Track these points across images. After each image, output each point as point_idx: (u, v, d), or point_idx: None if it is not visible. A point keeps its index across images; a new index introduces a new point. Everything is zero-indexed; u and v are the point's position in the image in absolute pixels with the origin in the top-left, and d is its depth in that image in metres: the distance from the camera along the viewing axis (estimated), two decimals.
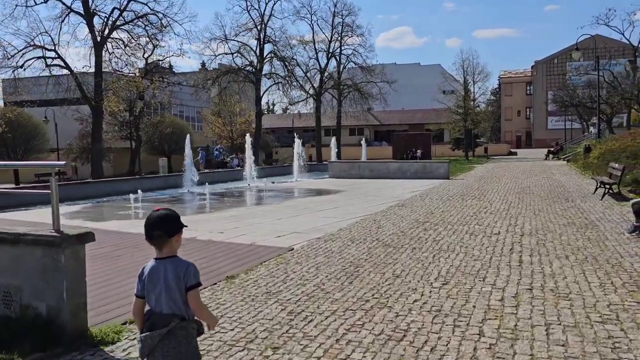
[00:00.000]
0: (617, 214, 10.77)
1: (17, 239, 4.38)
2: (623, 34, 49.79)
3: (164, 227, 2.72)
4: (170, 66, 43.40)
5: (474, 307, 4.85)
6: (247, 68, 44.43)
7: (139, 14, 31.58)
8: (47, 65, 29.71)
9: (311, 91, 49.63)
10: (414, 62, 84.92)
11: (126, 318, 4.76)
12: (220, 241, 8.61)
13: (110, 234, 9.91)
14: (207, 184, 20.30)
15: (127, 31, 31.72)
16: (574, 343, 3.91)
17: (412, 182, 21.05)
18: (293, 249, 8.00)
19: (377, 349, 3.94)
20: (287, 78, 46.02)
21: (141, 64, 34.91)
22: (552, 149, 47.49)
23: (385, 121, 69.81)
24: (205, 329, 2.91)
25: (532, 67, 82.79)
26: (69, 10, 30.08)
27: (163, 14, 31.97)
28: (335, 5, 48.18)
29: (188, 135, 24.27)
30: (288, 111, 69.15)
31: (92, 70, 30.60)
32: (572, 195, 14.55)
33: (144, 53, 34.04)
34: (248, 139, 27.10)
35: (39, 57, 29.58)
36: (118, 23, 31.05)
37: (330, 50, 50.19)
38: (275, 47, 44.98)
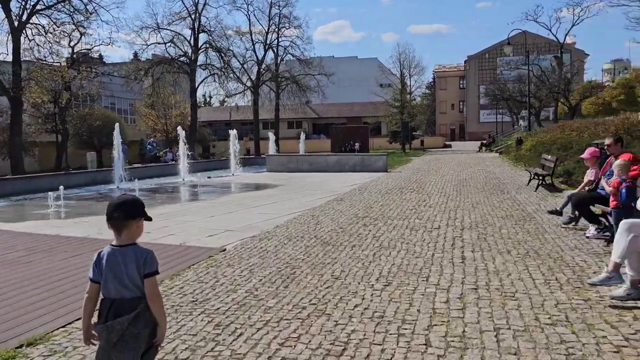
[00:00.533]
0: (552, 205, 10.84)
1: None
2: (550, 30, 52.04)
3: (122, 209, 2.71)
4: (101, 56, 41.23)
5: (418, 311, 4.49)
6: (181, 58, 42.90)
7: None
8: None
9: (248, 83, 48.65)
10: (351, 56, 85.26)
11: (25, 338, 4.08)
12: (145, 242, 7.82)
13: (22, 237, 8.96)
14: (136, 180, 19.18)
15: (48, 16, 29.62)
16: (526, 351, 3.61)
17: (350, 176, 20.82)
18: (225, 249, 7.43)
19: None
20: (223, 69, 44.79)
21: (67, 52, 32.88)
22: (484, 142, 48.95)
23: (323, 114, 69.70)
24: None
25: (465, 61, 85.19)
26: None
27: None
28: None
29: (117, 125, 22.82)
30: (225, 104, 67.77)
31: (10, 58, 28.38)
32: (508, 187, 14.72)
33: (70, 41, 32.02)
34: (181, 131, 25.96)
35: None
36: (38, 7, 28.89)
37: (268, 42, 49.37)
38: (210, 37, 43.66)
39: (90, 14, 30.52)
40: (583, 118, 31.52)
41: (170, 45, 42.32)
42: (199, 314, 4.58)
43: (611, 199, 6.49)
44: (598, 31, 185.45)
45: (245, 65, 48.05)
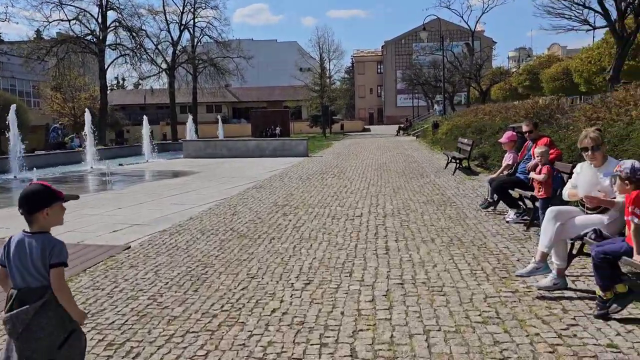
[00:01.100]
0: (470, 188, 10.95)
1: None
2: (462, 17, 53.69)
3: (24, 205, 2.61)
4: None
5: (342, 314, 4.09)
6: (88, 37, 40.11)
7: None
8: None
9: (164, 65, 46.52)
10: (271, 39, 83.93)
11: None
12: None
13: None
14: (34, 168, 17.53)
15: None
16: (459, 356, 3.30)
17: (271, 161, 20.26)
18: (130, 247, 6.69)
19: None
20: (135, 50, 42.44)
21: None
22: (402, 126, 49.94)
23: (243, 98, 68.30)
24: None
25: (382, 47, 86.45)
26: None
27: None
28: None
29: (12, 107, 20.72)
30: (140, 87, 64.70)
31: None
32: (426, 171, 14.79)
33: None
34: (87, 115, 24.11)
35: None
36: None
37: (183, 22, 47.40)
38: (120, 16, 41.15)
39: None
40: (493, 102, 32.76)
41: (75, 23, 39.48)
42: (89, 331, 3.89)
43: (537, 187, 6.43)
44: (505, 19, 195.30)
45: (159, 47, 45.86)
